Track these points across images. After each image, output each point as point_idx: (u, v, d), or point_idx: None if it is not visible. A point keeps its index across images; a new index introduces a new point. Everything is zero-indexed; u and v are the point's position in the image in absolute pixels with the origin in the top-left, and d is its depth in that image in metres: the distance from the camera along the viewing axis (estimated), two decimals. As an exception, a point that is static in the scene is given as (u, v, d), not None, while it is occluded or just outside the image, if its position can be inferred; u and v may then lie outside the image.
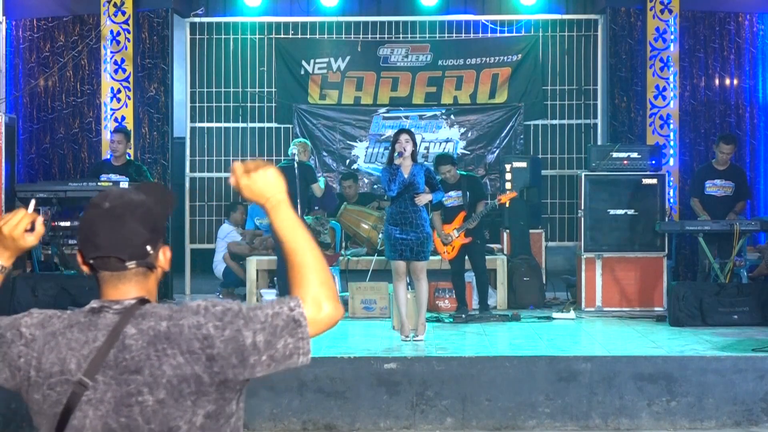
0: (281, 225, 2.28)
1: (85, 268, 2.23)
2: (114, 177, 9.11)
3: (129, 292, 2.20)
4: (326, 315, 2.22)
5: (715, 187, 9.96)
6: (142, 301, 2.18)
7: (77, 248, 2.26)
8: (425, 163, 9.11)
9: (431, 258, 10.01)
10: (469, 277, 9.71)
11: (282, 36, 12.42)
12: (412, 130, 9.06)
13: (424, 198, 8.14)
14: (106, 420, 2.12)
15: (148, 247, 2.19)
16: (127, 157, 10.38)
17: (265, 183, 2.29)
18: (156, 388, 2.10)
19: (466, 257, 9.51)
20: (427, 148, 12.06)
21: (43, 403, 2.14)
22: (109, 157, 10.64)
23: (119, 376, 2.11)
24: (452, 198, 9.44)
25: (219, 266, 11.63)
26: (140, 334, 2.12)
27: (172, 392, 2.10)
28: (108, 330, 2.13)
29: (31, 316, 2.21)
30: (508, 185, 10.68)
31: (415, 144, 8.31)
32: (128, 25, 11.43)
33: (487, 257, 9.86)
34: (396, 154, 8.25)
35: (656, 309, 9.83)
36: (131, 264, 2.18)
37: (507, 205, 9.94)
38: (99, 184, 8.97)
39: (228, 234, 11.59)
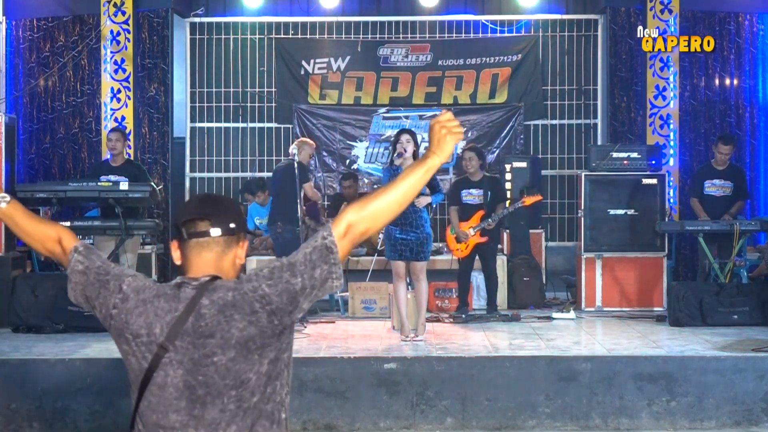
0: (411, 169, 2.69)
1: (176, 255, 2.66)
2: (113, 178, 9.10)
3: (207, 266, 2.60)
4: (358, 232, 2.59)
5: (715, 187, 9.95)
6: (214, 278, 2.57)
7: (171, 239, 2.71)
8: None
9: (443, 257, 10.03)
10: (471, 277, 9.68)
11: (282, 36, 12.43)
12: (413, 130, 9.03)
13: (423, 200, 8.12)
14: (186, 378, 2.47)
15: (232, 225, 2.62)
16: (126, 156, 10.37)
17: (437, 132, 2.69)
18: (227, 349, 2.48)
19: (476, 257, 9.48)
20: (426, 149, 12.05)
21: (131, 355, 2.54)
22: (108, 157, 10.63)
23: (196, 341, 2.49)
24: (472, 196, 9.38)
25: None
26: (212, 304, 2.52)
27: (240, 350, 2.48)
28: (187, 301, 2.52)
29: (135, 278, 2.64)
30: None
31: (416, 144, 8.29)
32: (128, 25, 11.43)
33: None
34: (396, 154, 8.24)
35: (656, 309, 9.83)
36: (216, 231, 2.61)
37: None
38: (99, 184, 8.95)
39: None
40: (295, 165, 9.15)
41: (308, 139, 9.95)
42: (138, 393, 2.51)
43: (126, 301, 2.57)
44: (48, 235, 2.75)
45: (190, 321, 2.50)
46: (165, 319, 2.51)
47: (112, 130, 9.95)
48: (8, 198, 2.78)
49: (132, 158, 10.92)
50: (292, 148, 9.45)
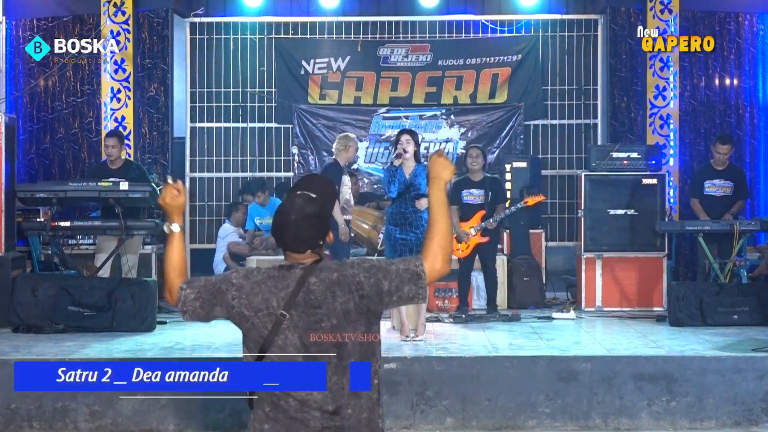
0: (432, 198, 3.35)
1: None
2: (112, 179, 9.11)
3: (306, 259, 3.26)
4: (437, 270, 3.26)
5: (714, 187, 9.95)
6: (318, 261, 3.26)
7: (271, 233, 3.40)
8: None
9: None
10: (471, 277, 9.68)
11: (282, 36, 12.43)
12: (414, 130, 9.03)
13: (425, 202, 8.13)
14: (300, 339, 3.17)
15: (320, 242, 3.29)
16: (126, 157, 10.37)
17: (434, 164, 3.38)
18: (331, 317, 3.17)
19: (476, 257, 9.48)
20: (426, 148, 12.05)
21: (253, 329, 3.20)
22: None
23: (307, 310, 3.17)
24: (473, 196, 9.39)
25: (219, 266, 11.62)
26: (320, 281, 3.19)
27: (341, 319, 3.17)
28: (297, 279, 3.19)
29: (238, 271, 3.30)
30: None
31: (417, 144, 8.28)
32: (128, 25, 11.44)
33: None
34: (395, 155, 8.24)
35: (656, 309, 9.83)
36: (308, 252, 3.27)
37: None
38: (99, 184, 8.95)
39: (228, 234, 11.58)
40: (340, 164, 9.11)
41: (350, 134, 9.64)
42: (260, 352, 3.20)
43: (241, 289, 3.22)
44: (182, 271, 3.45)
45: (301, 295, 3.17)
46: (279, 295, 3.18)
47: (109, 135, 9.92)
48: (179, 227, 3.46)
49: (131, 159, 10.92)
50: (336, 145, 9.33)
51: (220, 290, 3.26)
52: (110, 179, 9.09)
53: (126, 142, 11.44)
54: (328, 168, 9.27)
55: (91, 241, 10.31)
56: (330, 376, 3.16)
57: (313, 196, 3.29)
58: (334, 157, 9.30)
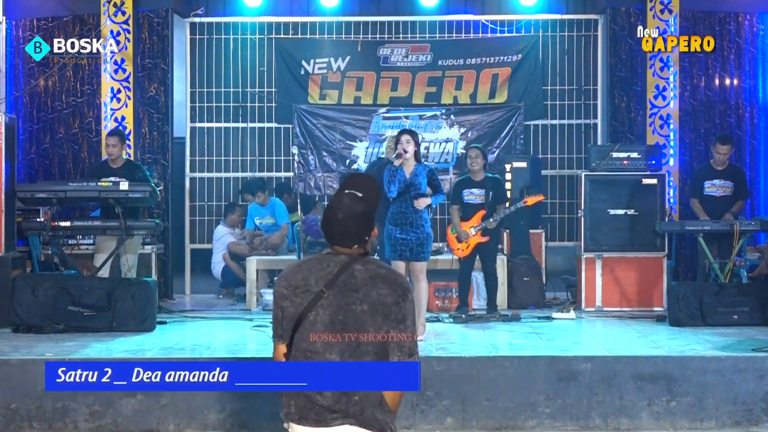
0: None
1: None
2: (113, 179, 9.10)
3: (352, 252, 3.54)
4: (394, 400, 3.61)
5: (714, 188, 9.95)
6: (363, 254, 3.55)
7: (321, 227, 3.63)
8: (428, 164, 9.06)
9: (443, 257, 10.03)
10: (471, 277, 9.69)
11: (282, 36, 12.43)
12: (414, 130, 9.03)
13: (423, 201, 8.13)
14: (331, 316, 3.46)
15: (365, 237, 3.56)
16: (126, 157, 10.36)
17: None
18: (364, 303, 3.46)
19: (477, 257, 9.48)
20: (427, 148, 12.07)
21: (291, 306, 3.49)
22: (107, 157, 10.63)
23: (344, 292, 3.47)
24: (474, 195, 9.39)
25: (217, 266, 11.62)
26: (365, 270, 3.50)
27: (371, 308, 3.46)
28: (341, 264, 3.50)
29: (283, 271, 3.59)
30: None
31: (417, 144, 8.29)
32: (128, 25, 11.43)
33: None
34: (395, 155, 8.24)
35: (656, 309, 9.84)
36: (354, 247, 3.55)
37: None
38: (99, 184, 8.95)
39: (223, 236, 11.59)
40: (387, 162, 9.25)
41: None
42: (293, 329, 3.48)
43: (281, 278, 3.56)
44: None
45: (343, 277, 3.47)
46: (319, 275, 3.48)
47: (111, 134, 9.91)
48: None
49: (132, 158, 10.91)
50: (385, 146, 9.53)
51: (276, 297, 3.57)
52: (110, 179, 9.08)
53: (127, 141, 11.46)
54: (374, 164, 9.49)
55: (91, 241, 10.32)
56: (346, 357, 3.45)
57: (360, 195, 3.54)
58: (384, 154, 9.50)
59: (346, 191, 3.55)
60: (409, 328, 3.50)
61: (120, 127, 11.17)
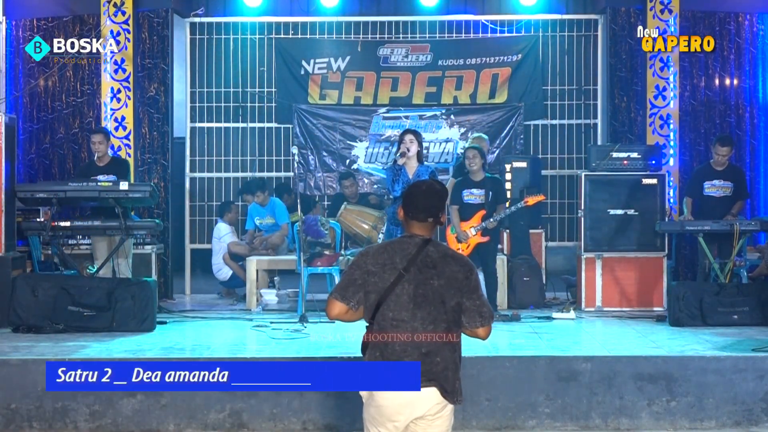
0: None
1: (401, 216, 4.20)
2: (102, 177, 9.12)
3: (423, 233, 4.15)
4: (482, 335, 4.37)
5: (714, 188, 9.95)
6: (431, 239, 4.13)
7: (401, 206, 4.20)
8: (429, 164, 9.07)
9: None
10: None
11: (282, 36, 12.43)
12: (418, 130, 9.03)
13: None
14: (414, 290, 4.03)
15: (440, 214, 4.18)
16: (112, 155, 10.33)
17: None
18: (440, 278, 4.05)
19: (476, 257, 9.48)
20: (427, 148, 12.06)
21: (379, 281, 4.04)
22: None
23: (423, 269, 4.05)
24: (473, 195, 9.39)
25: (218, 267, 11.54)
26: (437, 251, 4.10)
27: (447, 282, 4.05)
28: (417, 246, 4.08)
29: (366, 249, 4.19)
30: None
31: (420, 144, 8.30)
32: (128, 25, 11.43)
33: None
34: (398, 153, 8.25)
35: (656, 309, 9.84)
36: (430, 219, 4.15)
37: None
38: (99, 183, 8.96)
39: (226, 234, 11.56)
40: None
41: (483, 135, 10.22)
42: (379, 301, 4.02)
43: (368, 255, 4.11)
44: None
45: (419, 258, 4.04)
46: (401, 254, 4.05)
47: (95, 131, 9.91)
48: None
49: (118, 155, 10.90)
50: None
51: (360, 268, 4.08)
52: (108, 179, 9.07)
53: (126, 141, 11.46)
54: (461, 166, 9.73)
55: (90, 241, 10.31)
56: (428, 324, 4.02)
57: (436, 183, 4.31)
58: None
59: (424, 182, 4.31)
60: (481, 297, 4.11)
61: (106, 127, 11.14)
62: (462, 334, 4.17)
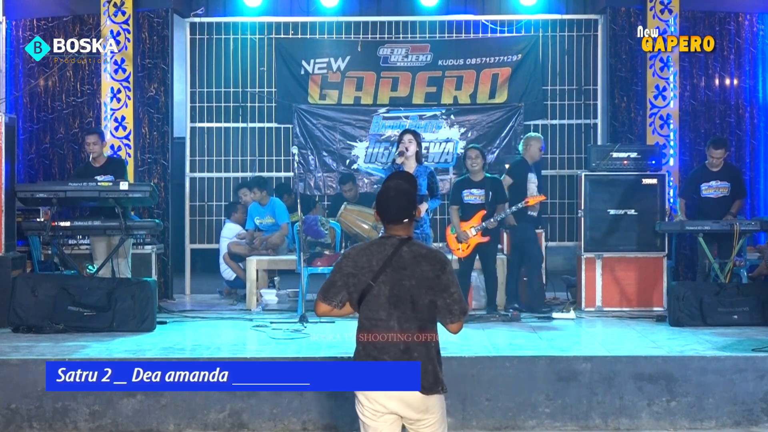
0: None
1: (377, 218, 4.40)
2: (100, 178, 9.11)
3: (401, 233, 4.30)
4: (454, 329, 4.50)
5: (711, 189, 9.94)
6: (408, 238, 4.30)
7: (375, 209, 4.42)
8: (429, 165, 9.07)
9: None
10: (471, 277, 9.68)
11: (282, 36, 12.43)
12: (417, 131, 9.03)
13: (421, 208, 8.15)
14: (389, 290, 4.21)
15: (413, 212, 4.31)
16: (109, 155, 10.31)
17: None
18: (412, 278, 4.21)
19: (476, 257, 9.48)
20: (427, 148, 12.06)
21: (358, 283, 4.23)
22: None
23: (397, 270, 4.22)
24: (474, 196, 9.40)
25: (229, 270, 11.48)
26: (410, 252, 4.25)
27: (418, 282, 4.21)
28: (393, 247, 4.25)
29: (349, 249, 4.38)
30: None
31: (419, 145, 8.30)
32: (128, 25, 11.43)
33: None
34: (397, 153, 8.26)
35: (656, 309, 9.84)
36: (405, 220, 4.29)
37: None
38: (99, 184, 8.96)
39: (236, 233, 11.51)
40: (527, 162, 9.89)
41: (532, 134, 10.37)
42: (359, 300, 4.23)
43: (348, 257, 4.29)
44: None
45: (394, 259, 4.21)
46: (378, 257, 4.23)
47: (89, 132, 9.89)
48: None
49: (114, 155, 10.89)
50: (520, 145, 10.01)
51: (340, 271, 4.28)
52: (107, 179, 9.06)
53: (126, 141, 11.46)
54: (515, 165, 9.94)
55: (88, 241, 10.30)
56: (403, 323, 4.21)
57: (403, 180, 4.37)
58: (522, 155, 10.00)
59: (392, 180, 4.36)
60: (453, 295, 4.23)
61: (104, 127, 11.12)
62: (438, 325, 4.36)
